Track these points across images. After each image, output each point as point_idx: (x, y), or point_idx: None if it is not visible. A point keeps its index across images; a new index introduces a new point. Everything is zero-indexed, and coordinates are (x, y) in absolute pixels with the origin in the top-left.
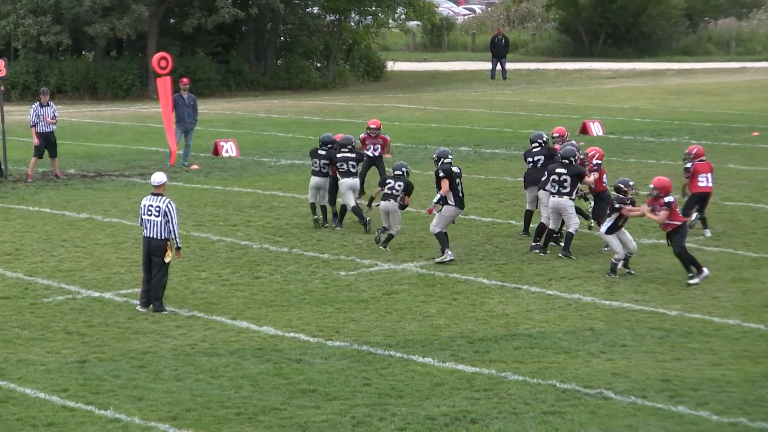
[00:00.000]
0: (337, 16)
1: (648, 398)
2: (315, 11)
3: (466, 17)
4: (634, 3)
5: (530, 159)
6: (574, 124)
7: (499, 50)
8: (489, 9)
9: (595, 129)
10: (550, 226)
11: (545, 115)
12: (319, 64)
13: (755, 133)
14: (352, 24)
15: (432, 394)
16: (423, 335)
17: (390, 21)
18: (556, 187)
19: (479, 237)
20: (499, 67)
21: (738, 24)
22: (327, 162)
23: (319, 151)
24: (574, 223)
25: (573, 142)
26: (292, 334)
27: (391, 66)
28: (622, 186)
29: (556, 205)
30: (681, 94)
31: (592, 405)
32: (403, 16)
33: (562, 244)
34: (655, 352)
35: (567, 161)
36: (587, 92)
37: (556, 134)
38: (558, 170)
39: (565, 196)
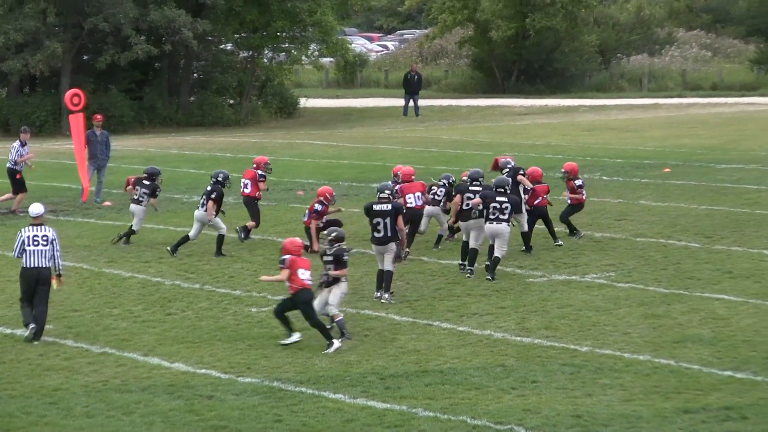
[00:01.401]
0: (250, 53)
1: None
2: (228, 48)
3: (379, 54)
4: (547, 40)
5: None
6: (487, 161)
7: (412, 87)
8: (402, 46)
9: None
10: (474, 245)
11: (458, 152)
12: (232, 101)
13: (667, 170)
14: (266, 60)
15: (343, 430)
16: (334, 371)
17: (303, 58)
18: (496, 214)
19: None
20: (412, 103)
21: (650, 60)
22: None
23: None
24: (504, 249)
25: (511, 161)
26: (203, 371)
27: (305, 102)
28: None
29: (494, 231)
30: (594, 130)
31: None
32: (316, 53)
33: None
34: (566, 388)
35: (503, 190)
36: (500, 129)
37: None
38: (498, 198)
39: (504, 223)
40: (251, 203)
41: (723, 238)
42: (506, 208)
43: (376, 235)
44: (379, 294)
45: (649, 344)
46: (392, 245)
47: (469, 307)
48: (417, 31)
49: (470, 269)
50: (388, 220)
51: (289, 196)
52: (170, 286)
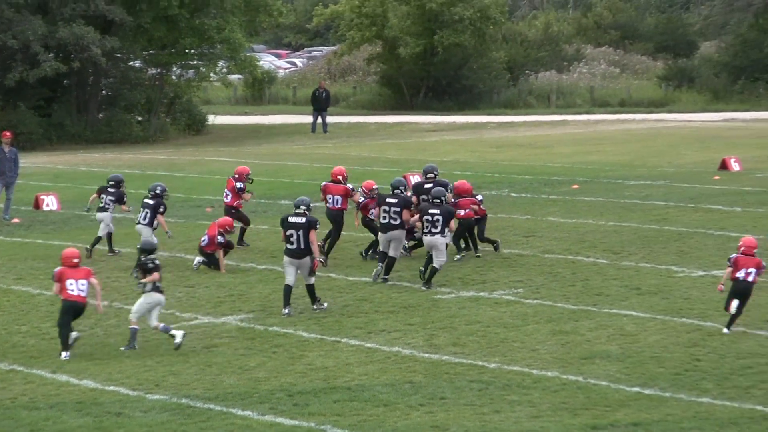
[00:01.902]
0: (159, 70)
1: None
2: (137, 65)
3: (287, 71)
4: (455, 57)
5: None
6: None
7: (320, 103)
8: (311, 63)
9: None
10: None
11: (366, 168)
12: (140, 118)
13: (575, 186)
14: (174, 77)
15: None
16: (242, 388)
17: (212, 74)
18: (429, 227)
19: (299, 290)
20: (320, 120)
21: (558, 77)
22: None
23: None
24: (441, 260)
25: (445, 181)
26: (112, 388)
27: (213, 119)
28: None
29: (429, 243)
30: (502, 147)
31: None
32: (225, 70)
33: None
34: (475, 404)
35: (438, 201)
36: (408, 145)
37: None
38: (431, 210)
39: (437, 235)
40: (230, 213)
41: (631, 254)
42: (437, 220)
43: (290, 247)
44: (287, 310)
45: (558, 360)
46: (307, 259)
47: (377, 324)
48: (325, 48)
49: (384, 277)
50: (301, 233)
51: (198, 212)
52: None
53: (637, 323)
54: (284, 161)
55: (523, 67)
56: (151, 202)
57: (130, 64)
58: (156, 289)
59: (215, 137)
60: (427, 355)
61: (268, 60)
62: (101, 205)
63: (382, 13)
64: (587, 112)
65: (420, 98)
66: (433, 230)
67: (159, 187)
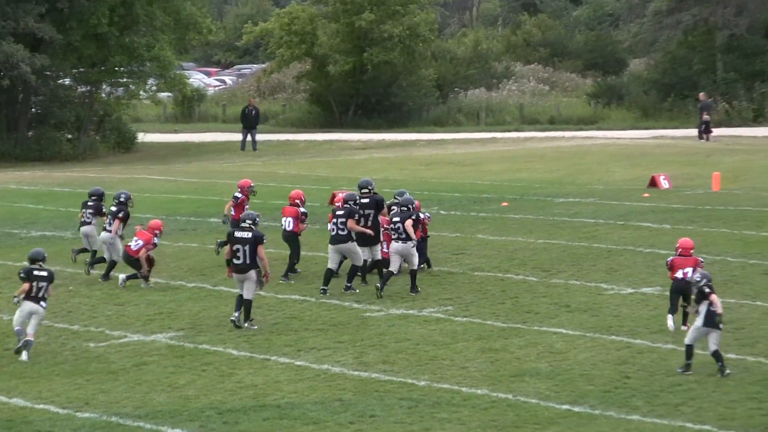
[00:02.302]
0: (89, 88)
1: None
2: (67, 82)
3: (217, 88)
4: (384, 74)
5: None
6: (325, 195)
7: (249, 121)
8: (240, 80)
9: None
10: (393, 269)
11: (296, 186)
12: (70, 135)
13: (505, 204)
14: (104, 95)
15: None
16: (172, 406)
17: (141, 92)
18: (395, 234)
19: (228, 308)
20: (249, 138)
21: (488, 94)
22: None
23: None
24: (416, 261)
25: (380, 196)
26: (42, 406)
27: (143, 137)
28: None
29: (400, 251)
30: (431, 164)
31: None
32: (154, 88)
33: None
34: (404, 422)
35: (405, 208)
36: (338, 163)
37: None
38: (395, 219)
39: (408, 242)
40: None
41: (560, 271)
42: (399, 228)
43: (236, 262)
44: (237, 314)
45: (487, 378)
46: (252, 273)
47: (306, 342)
48: (254, 65)
49: (323, 290)
50: (247, 248)
51: (128, 231)
52: (8, 321)
53: (567, 341)
54: (214, 179)
55: (452, 85)
56: (114, 209)
57: (59, 81)
58: (34, 299)
59: (145, 155)
60: (356, 372)
61: (197, 78)
62: (82, 219)
63: (312, 31)
64: (517, 130)
65: (349, 116)
66: (401, 236)
67: (123, 195)
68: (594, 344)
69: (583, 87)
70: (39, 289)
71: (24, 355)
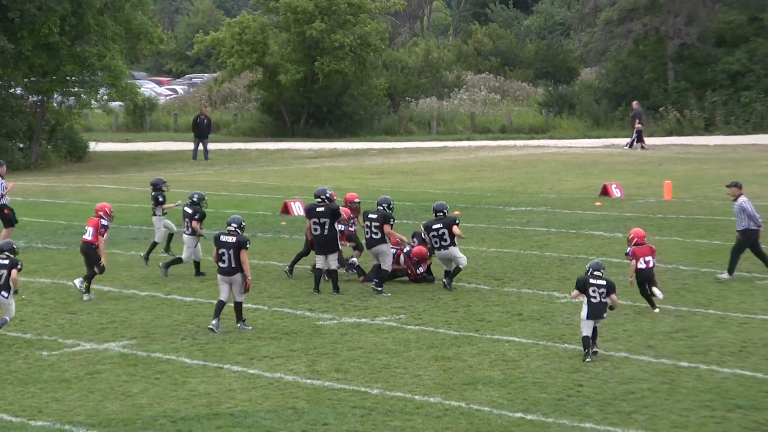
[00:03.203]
0: (40, 97)
1: None
2: (18, 92)
3: (168, 98)
4: (335, 84)
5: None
6: (277, 204)
7: (201, 130)
8: (191, 90)
9: (296, 209)
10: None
11: (247, 195)
12: (22, 145)
13: (457, 213)
14: (56, 105)
15: None
16: (125, 414)
17: (93, 102)
18: (438, 242)
19: (181, 317)
20: (201, 147)
21: (439, 104)
22: None
23: None
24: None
25: (335, 205)
26: None
27: (94, 146)
28: None
29: (445, 256)
30: (383, 173)
31: None
32: (105, 97)
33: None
34: (357, 430)
35: (441, 214)
36: (289, 172)
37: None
38: (434, 226)
39: (450, 247)
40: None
41: (513, 280)
42: (443, 233)
43: (221, 265)
44: (215, 322)
45: (440, 386)
46: (238, 276)
47: (259, 350)
48: (206, 75)
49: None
50: (232, 252)
51: (80, 240)
52: None
53: (520, 349)
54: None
55: (403, 94)
56: (189, 210)
57: (11, 91)
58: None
59: (97, 164)
60: (309, 381)
61: (149, 87)
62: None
63: (263, 40)
64: (468, 139)
65: (301, 125)
66: (443, 243)
67: (196, 195)
68: (547, 352)
69: (534, 96)
70: None
71: None
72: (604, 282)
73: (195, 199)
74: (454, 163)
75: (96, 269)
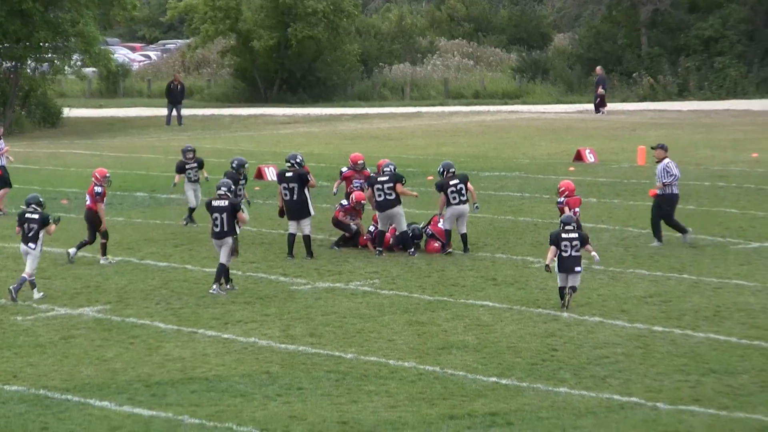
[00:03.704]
0: (13, 63)
1: None
2: None
3: (142, 64)
4: (309, 50)
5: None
6: (250, 169)
7: (174, 96)
8: (165, 56)
9: (270, 173)
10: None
11: (221, 160)
12: None
13: (430, 178)
14: (29, 71)
15: None
16: (100, 379)
17: (66, 68)
18: (457, 197)
19: (155, 282)
20: (174, 113)
21: (412, 69)
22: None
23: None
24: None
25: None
26: None
27: (68, 113)
28: None
29: (462, 212)
30: (356, 139)
31: None
32: (79, 63)
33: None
34: (332, 394)
35: (452, 174)
36: (262, 137)
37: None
38: (452, 182)
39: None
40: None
41: (486, 245)
42: (462, 189)
43: (215, 229)
44: (215, 287)
45: (414, 351)
46: (229, 239)
47: (233, 315)
48: (179, 41)
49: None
50: (224, 216)
51: (54, 205)
52: None
53: (494, 313)
54: (139, 154)
55: (377, 60)
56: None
57: None
58: (26, 240)
59: (70, 130)
60: (283, 345)
61: (122, 53)
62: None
63: (236, 6)
64: (441, 104)
65: (274, 91)
66: (461, 198)
67: (236, 161)
68: (521, 317)
69: (507, 62)
70: (30, 230)
71: (35, 294)
72: (576, 235)
73: (234, 165)
74: (427, 129)
75: (100, 236)
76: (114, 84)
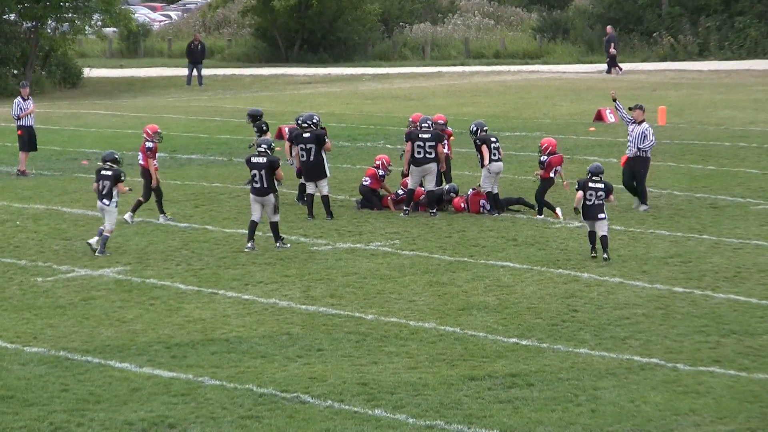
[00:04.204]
0: (34, 23)
1: (345, 402)
2: (12, 18)
3: (162, 24)
4: (329, 9)
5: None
6: (272, 129)
7: (195, 56)
8: (185, 15)
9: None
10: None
11: (241, 121)
12: (16, 71)
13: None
14: (49, 31)
15: (130, 399)
16: (120, 341)
17: (87, 28)
18: (497, 154)
19: (175, 242)
20: (195, 73)
21: (433, 29)
22: None
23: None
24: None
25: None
26: None
27: (88, 73)
28: None
29: (500, 169)
30: (377, 99)
31: (289, 409)
32: (99, 23)
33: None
34: (352, 356)
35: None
36: (283, 98)
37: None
38: (491, 139)
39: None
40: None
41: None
42: (499, 146)
43: (255, 185)
44: (250, 245)
45: (435, 312)
46: (270, 197)
47: (254, 276)
48: (200, 0)
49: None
50: (264, 173)
51: (74, 165)
52: None
53: (514, 274)
54: (160, 114)
55: (397, 19)
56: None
57: (4, 17)
58: (101, 196)
59: (91, 91)
60: (304, 306)
61: (142, 13)
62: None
63: None
64: (462, 64)
65: (295, 51)
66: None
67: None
68: (541, 278)
69: (528, 21)
70: (104, 187)
71: (94, 243)
72: (602, 185)
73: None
74: (448, 89)
75: (153, 194)
76: (134, 44)
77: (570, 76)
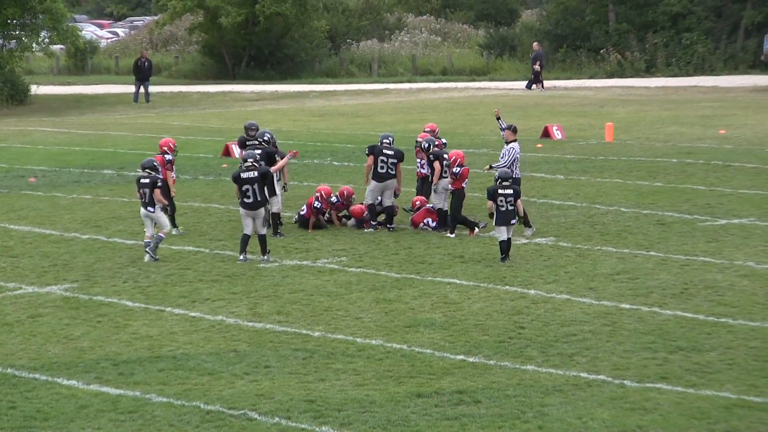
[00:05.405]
0: None
1: (292, 419)
2: None
3: (110, 41)
4: (277, 26)
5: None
6: (218, 146)
7: (142, 73)
8: (133, 32)
9: (238, 151)
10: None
11: (189, 137)
12: None
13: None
14: None
15: (77, 416)
16: (68, 358)
17: (34, 45)
18: (447, 171)
19: (122, 259)
20: (142, 90)
21: (380, 46)
22: None
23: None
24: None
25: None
26: None
27: (36, 90)
28: None
29: (447, 185)
30: (324, 115)
31: (236, 426)
32: (47, 40)
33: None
34: (299, 373)
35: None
36: (231, 114)
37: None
38: (444, 156)
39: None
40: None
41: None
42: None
43: (246, 201)
44: (242, 257)
45: (382, 329)
46: (262, 210)
47: (201, 293)
48: (147, 17)
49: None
50: (256, 186)
51: (22, 183)
52: None
53: (461, 291)
54: (107, 131)
55: (344, 36)
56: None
57: None
58: (143, 204)
59: (38, 107)
60: (251, 323)
61: (90, 30)
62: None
63: None
64: (409, 81)
65: (242, 68)
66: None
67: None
68: (488, 294)
69: (475, 38)
70: (144, 194)
71: (148, 258)
72: (511, 191)
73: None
74: (395, 105)
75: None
76: (82, 61)
77: (517, 93)
